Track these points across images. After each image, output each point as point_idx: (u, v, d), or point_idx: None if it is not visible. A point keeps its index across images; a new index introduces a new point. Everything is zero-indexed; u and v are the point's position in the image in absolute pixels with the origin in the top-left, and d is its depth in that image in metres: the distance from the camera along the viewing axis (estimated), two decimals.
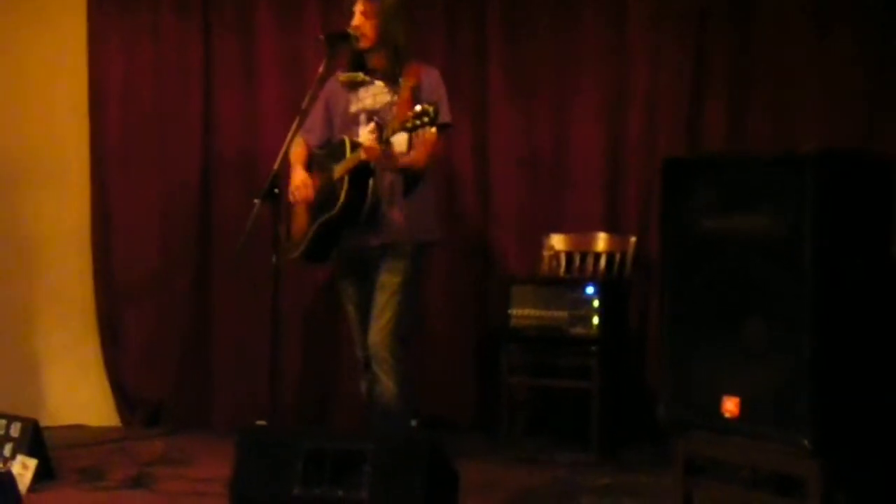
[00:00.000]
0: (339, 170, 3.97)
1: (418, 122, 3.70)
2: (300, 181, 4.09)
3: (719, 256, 3.55)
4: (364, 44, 4.02)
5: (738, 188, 3.52)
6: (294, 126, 3.91)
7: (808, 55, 4.73)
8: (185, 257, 5.33)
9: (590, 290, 4.55)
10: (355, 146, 3.95)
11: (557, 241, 4.98)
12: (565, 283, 4.68)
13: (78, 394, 5.35)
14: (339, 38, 4.03)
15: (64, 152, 5.39)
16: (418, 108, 3.70)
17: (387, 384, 4.00)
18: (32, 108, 5.34)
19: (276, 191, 3.81)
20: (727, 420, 3.48)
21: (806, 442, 3.27)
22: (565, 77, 5.07)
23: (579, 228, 4.98)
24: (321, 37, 4.08)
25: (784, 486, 3.61)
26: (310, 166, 4.14)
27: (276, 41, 5.25)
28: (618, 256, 4.88)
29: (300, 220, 4.17)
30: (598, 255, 4.91)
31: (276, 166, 3.86)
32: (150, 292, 5.35)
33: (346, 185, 3.93)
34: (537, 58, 5.09)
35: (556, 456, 4.60)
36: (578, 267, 4.93)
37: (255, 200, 3.80)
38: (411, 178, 4.00)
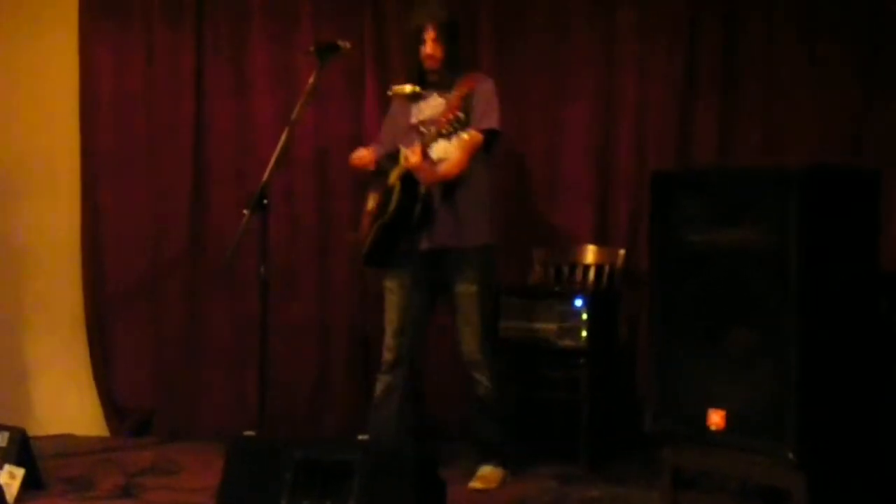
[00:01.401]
0: (392, 176, 4.27)
1: (451, 129, 3.99)
2: (358, 153, 4.48)
3: (707, 269, 3.57)
4: (432, 65, 4.31)
5: (725, 202, 3.55)
6: (284, 137, 3.93)
7: (798, 67, 4.75)
8: (175, 267, 5.33)
9: (579, 302, 4.55)
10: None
11: (546, 254, 4.99)
12: (554, 296, 4.68)
13: (66, 403, 5.34)
14: (329, 50, 4.06)
15: (55, 163, 5.38)
16: (452, 115, 3.96)
17: (486, 385, 4.35)
18: (24, 119, 5.34)
19: (266, 202, 3.83)
20: (714, 432, 3.50)
21: (791, 454, 3.29)
22: (555, 88, 5.09)
23: (568, 241, 4.99)
24: (311, 49, 4.12)
25: (771, 498, 3.62)
26: (378, 175, 4.43)
27: (267, 54, 5.26)
28: (607, 269, 4.89)
29: (365, 226, 4.42)
30: (587, 268, 4.92)
31: (265, 177, 3.88)
32: (140, 302, 5.34)
33: (397, 191, 4.23)
34: (528, 69, 5.11)
35: (545, 468, 4.60)
36: (567, 279, 4.93)
37: (245, 211, 3.82)
38: (456, 182, 4.24)
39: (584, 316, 4.53)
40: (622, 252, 4.88)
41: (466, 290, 4.31)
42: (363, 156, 4.48)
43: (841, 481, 3.45)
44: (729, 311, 3.51)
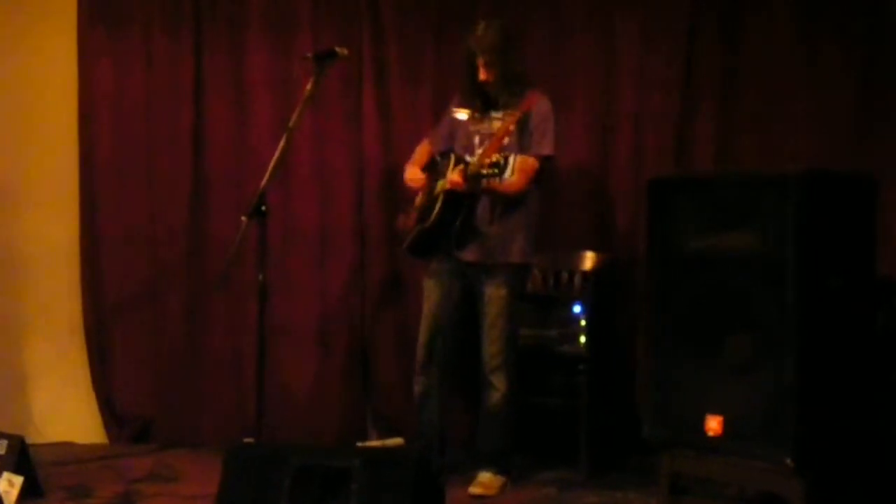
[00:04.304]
0: (438, 187, 4.39)
1: (490, 172, 4.07)
2: (411, 175, 4.59)
3: (704, 275, 3.58)
4: (490, 89, 4.41)
5: (722, 207, 3.55)
6: (282, 144, 3.94)
7: (797, 74, 4.75)
8: (175, 274, 5.33)
9: (577, 308, 4.57)
10: (457, 163, 4.35)
11: (545, 260, 4.98)
12: (553, 302, 4.69)
13: (65, 411, 5.34)
14: (327, 56, 4.07)
15: (54, 170, 5.38)
16: (495, 157, 4.05)
17: (502, 392, 4.37)
18: (23, 127, 5.34)
19: (264, 208, 3.84)
20: (711, 439, 3.50)
21: (789, 460, 3.29)
22: (554, 95, 5.05)
23: (567, 246, 4.99)
24: (308, 55, 4.13)
25: None
26: (431, 169, 4.56)
27: (266, 61, 5.27)
28: (606, 275, 4.88)
29: (410, 218, 4.56)
30: (585, 274, 4.91)
31: (263, 184, 3.88)
32: (139, 309, 5.34)
33: (439, 203, 4.36)
34: (527, 76, 5.10)
35: (544, 474, 4.60)
36: (566, 285, 4.93)
37: (243, 218, 3.83)
38: (508, 201, 4.35)
39: (583, 322, 4.55)
40: (621, 258, 4.88)
41: (496, 292, 4.37)
42: (417, 179, 4.57)
43: (838, 487, 3.45)
44: (726, 316, 3.51)
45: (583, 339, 4.54)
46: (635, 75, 4.99)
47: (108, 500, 4.16)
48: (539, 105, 4.39)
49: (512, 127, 4.24)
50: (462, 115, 4.53)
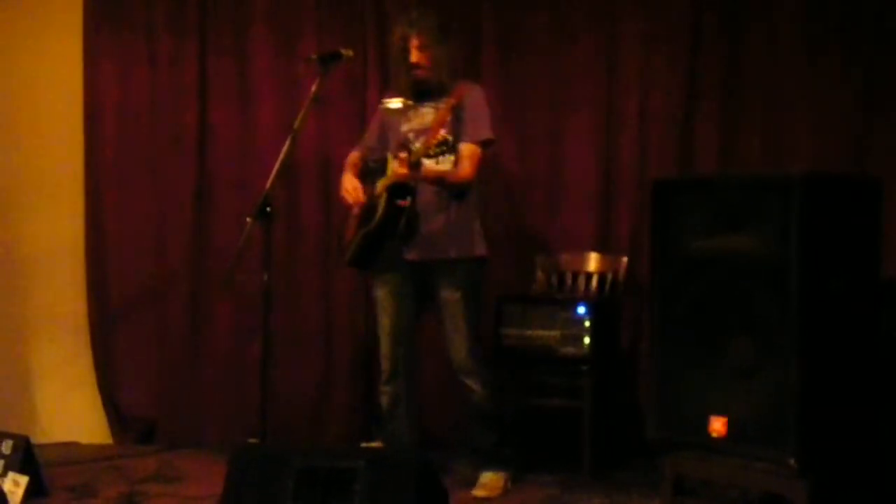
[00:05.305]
0: (379, 186, 4.28)
1: (438, 151, 3.97)
2: (350, 185, 4.41)
3: (707, 277, 3.58)
4: (421, 74, 4.29)
5: (726, 209, 3.55)
6: (287, 145, 3.95)
7: (800, 77, 4.76)
8: (179, 275, 5.35)
9: (581, 310, 4.56)
10: (396, 157, 4.21)
11: (549, 261, 5.00)
12: (557, 303, 4.69)
13: (70, 411, 5.35)
14: (331, 57, 4.07)
15: (59, 172, 5.40)
16: (440, 136, 3.97)
17: (479, 392, 4.34)
18: (29, 128, 5.36)
19: (269, 209, 3.84)
20: (715, 440, 3.50)
21: (792, 461, 3.29)
22: (558, 98, 5.10)
23: (571, 248, 5.00)
24: (313, 57, 4.14)
25: None
26: (365, 177, 4.43)
27: (270, 63, 5.29)
28: (609, 277, 4.89)
29: (350, 228, 4.45)
30: (589, 276, 4.93)
31: (268, 185, 3.89)
32: (144, 310, 5.36)
33: (383, 201, 4.23)
34: (530, 79, 5.13)
35: (547, 475, 4.60)
36: (570, 287, 4.94)
37: (248, 219, 3.84)
38: (455, 192, 4.26)
39: (587, 323, 4.54)
40: (624, 260, 4.89)
41: (451, 296, 4.30)
42: (355, 189, 4.38)
43: (842, 488, 3.45)
44: (730, 318, 3.51)
45: (586, 340, 4.54)
46: (638, 77, 5.00)
47: (112, 501, 4.17)
48: (471, 92, 4.28)
49: (448, 117, 4.15)
50: (395, 104, 4.40)
